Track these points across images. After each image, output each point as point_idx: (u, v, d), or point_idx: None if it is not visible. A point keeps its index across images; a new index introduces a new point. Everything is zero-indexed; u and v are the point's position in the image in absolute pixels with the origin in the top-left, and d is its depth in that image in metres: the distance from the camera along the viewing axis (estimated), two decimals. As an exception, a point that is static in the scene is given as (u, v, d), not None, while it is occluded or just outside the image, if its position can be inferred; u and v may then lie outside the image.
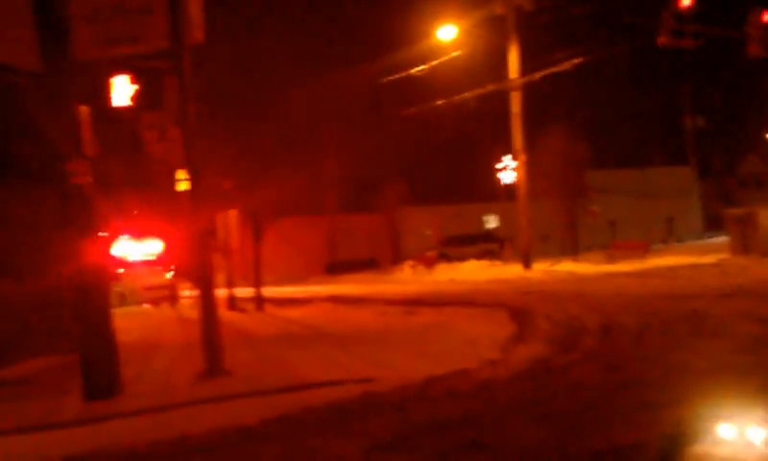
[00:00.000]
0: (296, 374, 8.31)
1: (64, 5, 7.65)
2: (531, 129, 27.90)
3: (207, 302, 8.90)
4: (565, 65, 24.46)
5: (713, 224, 44.22)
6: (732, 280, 14.65)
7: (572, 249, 29.72)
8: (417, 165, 42.80)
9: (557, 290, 16.80)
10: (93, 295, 7.75)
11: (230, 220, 20.25)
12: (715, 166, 56.33)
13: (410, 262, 35.32)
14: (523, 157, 27.46)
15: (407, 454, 4.83)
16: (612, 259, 26.05)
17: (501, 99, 27.49)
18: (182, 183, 15.83)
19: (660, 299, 12.51)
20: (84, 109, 7.61)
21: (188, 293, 22.51)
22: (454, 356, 8.76)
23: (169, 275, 23.56)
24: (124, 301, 25.70)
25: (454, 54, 25.93)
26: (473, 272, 28.74)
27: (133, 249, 27.11)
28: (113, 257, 24.53)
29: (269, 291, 21.31)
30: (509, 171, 35.00)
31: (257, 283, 20.05)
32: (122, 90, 8.24)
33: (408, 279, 30.09)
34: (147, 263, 26.45)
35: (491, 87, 27.14)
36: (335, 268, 39.48)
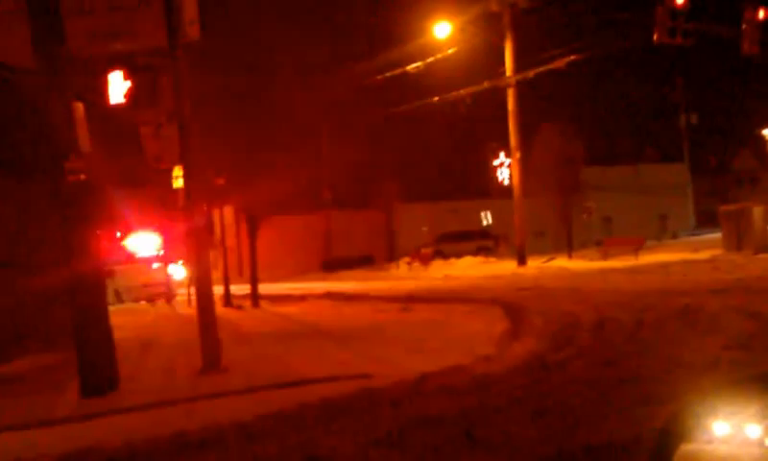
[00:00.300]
0: (292, 370, 8.33)
1: (59, 1, 7.64)
2: (526, 126, 27.95)
3: (204, 298, 8.92)
4: (560, 63, 24.50)
5: (707, 220, 44.37)
6: (725, 276, 14.74)
7: (567, 245, 29.75)
8: (412, 162, 42.78)
9: (551, 286, 16.86)
10: (89, 292, 7.75)
11: (226, 217, 20.23)
12: (709, 163, 56.50)
13: (406, 259, 35.34)
14: (518, 154, 27.51)
15: (403, 449, 4.86)
16: (605, 256, 26.13)
17: (497, 96, 27.52)
18: (178, 180, 15.84)
19: (654, 295, 12.57)
20: (79, 106, 7.60)
21: (184, 290, 22.46)
22: (449, 352, 8.79)
23: (179, 270, 23.21)
24: (119, 298, 25.64)
25: (450, 51, 25.94)
26: (468, 268, 28.79)
27: (143, 243, 26.85)
28: (123, 252, 24.34)
29: (265, 288, 21.30)
30: (504, 168, 35.06)
31: (253, 280, 20.04)
32: (117, 87, 8.22)
33: (404, 275, 30.12)
34: (156, 258, 26.13)
35: (486, 85, 27.17)
36: (331, 265, 39.46)
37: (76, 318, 7.78)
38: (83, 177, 7.51)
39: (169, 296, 24.08)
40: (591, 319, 10.34)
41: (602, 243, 29.79)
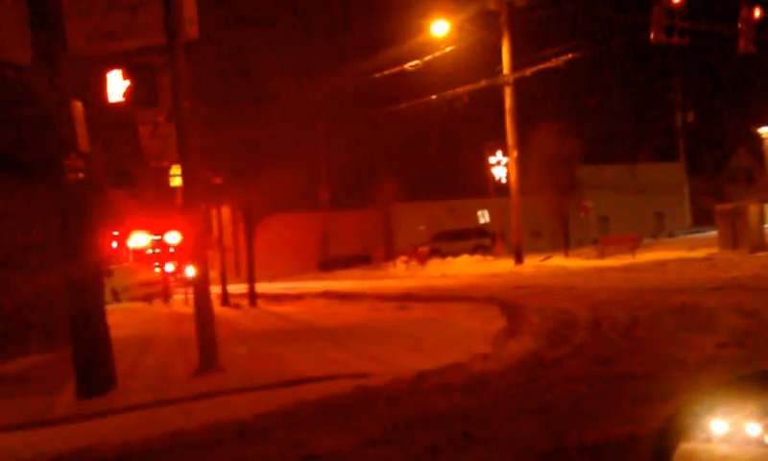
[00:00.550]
0: (290, 369, 8.34)
1: (58, 0, 7.63)
2: (523, 125, 27.98)
3: (202, 297, 8.92)
4: (557, 61, 24.53)
5: (703, 219, 44.47)
6: (721, 275, 14.79)
7: (563, 244, 29.80)
8: (410, 161, 42.80)
9: (548, 285, 16.90)
10: (87, 291, 7.75)
11: (223, 216, 20.22)
12: (705, 161, 56.61)
13: (403, 258, 35.37)
14: (515, 152, 27.54)
15: (400, 448, 4.88)
16: (602, 254, 26.17)
17: (494, 95, 27.54)
18: (175, 179, 15.83)
19: (650, 293, 12.61)
20: (77, 105, 7.60)
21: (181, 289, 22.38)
22: (446, 351, 8.81)
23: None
24: (117, 297, 25.61)
25: (447, 49, 25.95)
26: (465, 267, 28.83)
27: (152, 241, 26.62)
28: (133, 250, 24.15)
29: (262, 287, 21.31)
30: (501, 167, 35.08)
31: (251, 279, 20.05)
32: (116, 86, 8.22)
33: (401, 274, 30.14)
34: (168, 256, 25.87)
35: (483, 83, 27.19)
36: (328, 264, 39.47)
37: (73, 317, 7.78)
38: (81, 175, 7.51)
39: (166, 295, 24.05)
40: (588, 317, 10.37)
41: (599, 241, 29.85)
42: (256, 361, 9.28)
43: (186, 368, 8.85)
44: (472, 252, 33.92)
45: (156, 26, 8.15)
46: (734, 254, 20.37)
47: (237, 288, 21.76)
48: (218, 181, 18.78)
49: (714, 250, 22.08)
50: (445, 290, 17.87)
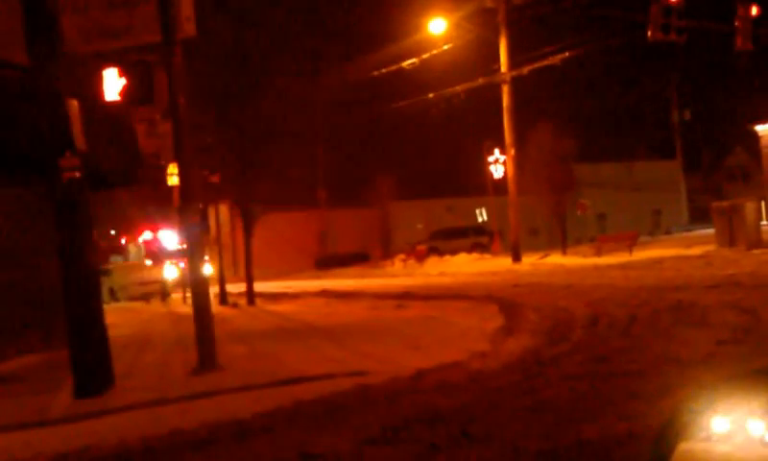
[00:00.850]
0: (288, 368, 8.34)
1: (54, -2, 7.61)
2: (520, 123, 28.00)
3: (200, 296, 8.91)
4: (554, 59, 24.54)
5: (700, 216, 44.56)
6: (718, 272, 14.80)
7: (561, 242, 29.83)
8: (407, 159, 42.81)
9: (546, 283, 16.92)
10: (84, 290, 7.74)
11: (221, 215, 20.20)
12: (702, 159, 56.70)
13: (401, 256, 35.38)
14: (513, 150, 27.55)
15: (399, 447, 4.88)
16: (599, 252, 26.20)
17: (492, 93, 27.56)
18: (173, 178, 15.81)
19: (648, 290, 12.63)
20: (73, 104, 7.58)
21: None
22: (445, 349, 8.82)
23: (206, 267, 22.60)
24: (114, 296, 25.59)
25: (445, 47, 25.95)
26: (463, 265, 28.84)
27: (169, 240, 26.39)
28: (151, 248, 23.96)
29: (260, 286, 21.30)
30: (499, 165, 35.09)
31: (249, 278, 20.04)
32: (113, 84, 8.20)
33: (399, 272, 30.15)
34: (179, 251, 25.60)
35: (481, 81, 27.19)
36: (326, 262, 39.47)
37: (71, 317, 7.76)
38: (77, 174, 7.50)
39: (164, 294, 24.03)
40: (585, 315, 10.38)
41: (596, 239, 29.88)
42: (255, 360, 9.28)
43: (185, 367, 8.84)
44: (470, 250, 33.94)
45: (153, 24, 8.13)
46: (731, 251, 20.41)
47: (235, 287, 21.75)
48: (215, 179, 18.76)
49: (711, 247, 22.12)
50: (443, 288, 17.88)
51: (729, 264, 16.53)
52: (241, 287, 20.90)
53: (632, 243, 25.52)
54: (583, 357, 7.52)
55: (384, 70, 26.67)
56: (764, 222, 28.41)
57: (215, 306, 12.93)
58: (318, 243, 43.09)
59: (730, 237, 21.62)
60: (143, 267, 28.65)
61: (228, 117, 18.30)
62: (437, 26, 26.22)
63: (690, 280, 13.59)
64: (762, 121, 33.24)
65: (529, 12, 25.77)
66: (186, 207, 9.01)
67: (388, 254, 39.37)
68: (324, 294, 19.51)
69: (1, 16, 8.53)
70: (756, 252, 19.63)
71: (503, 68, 26.81)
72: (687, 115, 51.84)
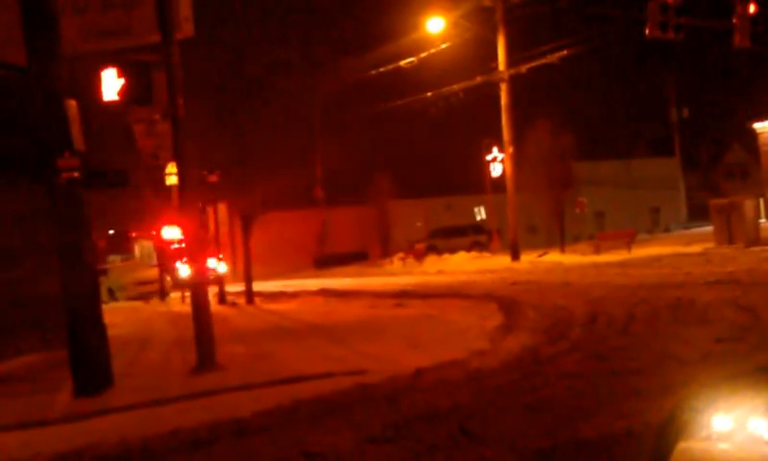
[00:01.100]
0: (287, 367, 8.34)
1: (52, -2, 7.60)
2: (518, 121, 28.02)
3: (199, 296, 8.92)
4: (552, 57, 24.54)
5: (699, 214, 44.57)
6: (716, 269, 14.82)
7: (559, 240, 29.85)
8: (406, 158, 42.81)
9: (544, 281, 16.93)
10: (83, 290, 7.74)
11: (219, 214, 20.20)
12: (701, 156, 56.72)
13: (399, 255, 35.39)
14: (511, 149, 27.56)
15: (399, 445, 4.89)
16: (598, 250, 26.22)
17: (490, 91, 27.56)
18: (171, 177, 15.80)
19: (646, 288, 12.64)
20: (72, 104, 7.58)
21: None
22: (444, 347, 8.83)
23: (220, 265, 22.23)
24: (113, 296, 25.57)
25: (443, 46, 25.95)
26: (462, 263, 28.86)
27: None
28: (164, 244, 23.69)
29: (258, 285, 21.29)
30: (497, 163, 35.11)
31: (248, 277, 20.04)
32: (111, 84, 8.20)
33: (397, 271, 30.16)
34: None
35: (479, 79, 27.20)
36: (324, 261, 39.48)
37: (70, 317, 7.76)
38: (76, 174, 7.50)
39: (163, 293, 24.02)
40: (584, 313, 10.40)
41: (595, 237, 29.90)
42: (254, 359, 9.28)
43: (184, 366, 8.85)
44: (469, 248, 33.96)
45: (152, 24, 8.13)
46: (730, 248, 20.44)
47: (234, 286, 21.74)
48: (214, 179, 18.77)
49: (710, 245, 22.15)
50: (442, 287, 17.89)
51: (727, 261, 16.55)
52: (240, 286, 20.89)
53: (630, 241, 25.55)
54: (582, 355, 7.53)
55: (382, 69, 26.67)
56: (763, 219, 28.47)
57: (214, 306, 12.93)
58: (316, 242, 43.08)
59: (728, 235, 21.65)
60: (142, 266, 28.62)
61: (226, 116, 18.31)
62: (435, 25, 26.23)
63: (689, 278, 13.61)
64: (761, 118, 33.26)
65: (527, 11, 25.78)
66: (185, 207, 9.02)
67: (387, 252, 39.39)
68: (323, 293, 19.51)
69: (0, 18, 8.52)
70: (754, 249, 19.66)
71: (501, 67, 26.81)
72: (686, 113, 51.85)
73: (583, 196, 36.46)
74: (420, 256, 33.52)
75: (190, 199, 9.02)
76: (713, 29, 22.73)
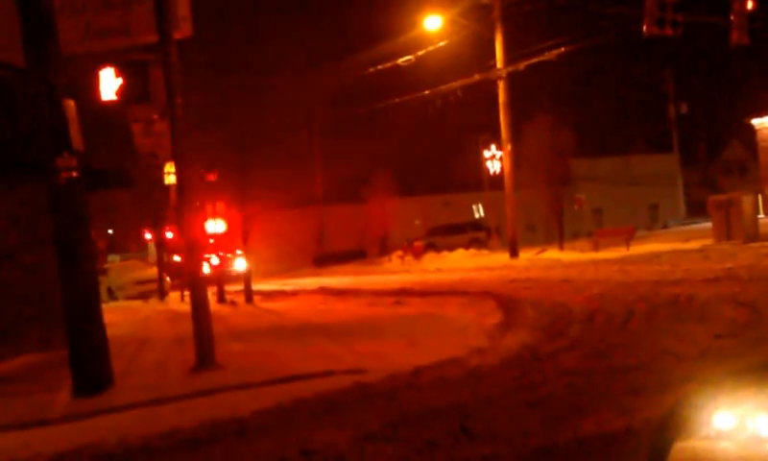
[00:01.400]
0: (287, 365, 8.35)
1: (50, -2, 7.59)
2: (517, 118, 28.04)
3: (198, 295, 8.92)
4: (550, 55, 24.53)
5: (697, 210, 44.59)
6: (715, 266, 14.83)
7: (558, 237, 29.87)
8: (404, 156, 42.83)
9: (543, 278, 16.94)
10: (83, 290, 7.74)
11: (218, 213, 20.19)
12: (699, 153, 56.77)
13: (398, 252, 35.39)
14: (509, 146, 27.57)
15: (398, 443, 4.90)
16: (597, 247, 26.23)
17: (488, 89, 27.57)
18: (170, 176, 15.79)
19: (645, 285, 12.65)
20: (70, 104, 7.58)
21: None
22: (443, 345, 8.84)
23: (240, 261, 21.70)
24: (112, 295, 25.57)
25: (441, 44, 25.94)
26: (461, 261, 28.88)
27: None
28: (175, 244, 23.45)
29: (257, 283, 21.29)
30: (495, 160, 35.12)
31: (247, 276, 20.04)
32: (109, 84, 8.19)
33: (396, 269, 30.17)
34: (214, 246, 25.04)
35: (477, 77, 27.20)
36: (323, 260, 39.48)
37: (70, 316, 7.77)
38: (75, 174, 7.49)
39: (162, 293, 24.01)
40: (583, 310, 10.40)
41: (593, 234, 29.92)
42: (253, 358, 9.29)
43: (183, 365, 8.85)
44: (467, 246, 33.96)
45: (150, 24, 8.12)
46: (729, 245, 20.45)
47: (233, 285, 21.74)
48: (212, 177, 18.78)
49: (708, 241, 22.16)
50: (441, 285, 17.89)
51: (726, 258, 16.56)
52: (239, 285, 20.89)
53: (629, 237, 25.55)
54: (581, 353, 7.54)
55: (380, 67, 26.66)
56: (761, 215, 28.48)
57: (213, 304, 12.93)
58: (315, 240, 43.09)
59: (727, 231, 21.66)
60: (141, 266, 28.61)
61: (225, 115, 18.31)
62: (432, 23, 26.22)
63: (688, 274, 13.61)
64: (759, 115, 33.29)
65: (524, 8, 25.78)
66: (184, 206, 9.01)
67: (385, 250, 39.40)
68: (322, 291, 19.51)
69: (-2, 17, 8.51)
70: (753, 245, 19.68)
71: (499, 64, 26.81)
72: (684, 109, 51.86)
73: (581, 193, 36.52)
74: (418, 254, 33.52)
75: (189, 198, 9.01)
76: (711, 25, 22.74)
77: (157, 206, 23.66)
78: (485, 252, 32.11)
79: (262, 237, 29.35)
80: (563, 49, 24.31)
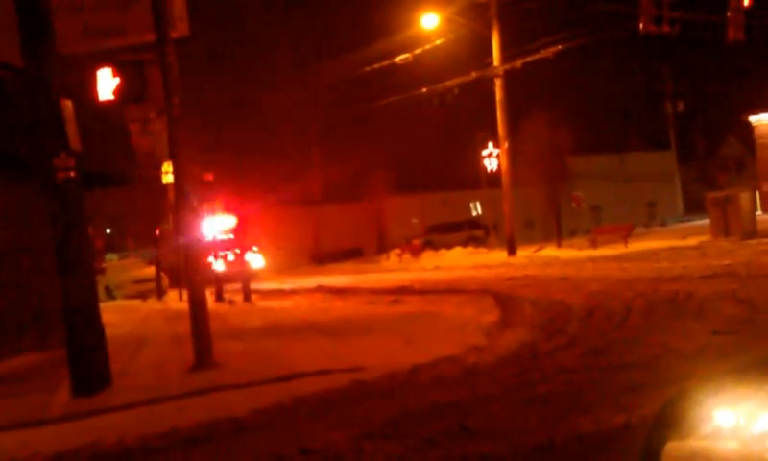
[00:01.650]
0: (285, 364, 8.35)
1: (47, -2, 7.58)
2: (514, 116, 28.04)
3: (196, 294, 8.92)
4: (547, 52, 24.55)
5: (695, 207, 44.67)
6: (713, 262, 14.86)
7: (556, 234, 29.91)
8: (401, 154, 42.82)
9: (541, 275, 16.96)
10: (81, 289, 7.74)
11: (217, 212, 20.17)
12: (696, 150, 56.82)
13: (396, 250, 35.41)
14: (506, 143, 27.58)
15: (397, 441, 4.90)
16: (595, 244, 26.27)
17: (485, 86, 27.58)
18: (167, 176, 15.79)
19: (643, 282, 12.67)
20: (68, 104, 7.57)
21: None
22: (441, 343, 8.84)
23: (256, 258, 21.40)
24: (110, 294, 25.54)
25: (438, 42, 25.95)
26: (459, 259, 28.90)
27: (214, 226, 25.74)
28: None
29: (255, 282, 21.28)
30: (493, 158, 35.13)
31: (245, 275, 20.04)
32: (106, 84, 8.19)
33: (394, 267, 30.18)
34: (225, 242, 24.76)
35: (474, 75, 27.21)
36: (321, 258, 39.48)
37: (67, 316, 7.76)
38: (73, 174, 7.49)
39: (160, 292, 23.99)
40: (581, 307, 10.42)
41: (591, 231, 29.95)
42: (251, 357, 9.29)
43: (181, 365, 8.85)
44: (465, 243, 33.99)
45: (147, 23, 8.12)
46: (726, 241, 20.48)
47: (231, 284, 21.74)
48: (210, 177, 18.76)
49: (706, 238, 22.20)
50: (439, 282, 17.90)
51: (724, 255, 16.58)
52: (237, 284, 20.89)
53: (627, 235, 25.59)
54: (579, 350, 7.55)
55: (377, 66, 26.66)
56: (759, 212, 28.54)
57: (211, 303, 12.92)
58: (313, 239, 43.08)
59: (724, 228, 21.70)
60: (140, 265, 28.58)
61: (222, 114, 18.29)
62: (429, 21, 26.23)
63: (686, 271, 13.63)
64: (756, 112, 33.35)
65: (521, 6, 25.79)
66: (182, 205, 9.01)
67: (383, 248, 39.42)
68: (320, 290, 19.51)
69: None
70: (750, 242, 19.71)
71: (496, 62, 26.81)
72: (681, 106, 51.91)
73: (579, 190, 36.53)
74: (416, 252, 33.54)
75: (187, 197, 9.01)
76: (708, 22, 22.75)
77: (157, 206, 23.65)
78: (483, 249, 32.13)
79: (260, 236, 29.34)
80: (559, 47, 24.33)
